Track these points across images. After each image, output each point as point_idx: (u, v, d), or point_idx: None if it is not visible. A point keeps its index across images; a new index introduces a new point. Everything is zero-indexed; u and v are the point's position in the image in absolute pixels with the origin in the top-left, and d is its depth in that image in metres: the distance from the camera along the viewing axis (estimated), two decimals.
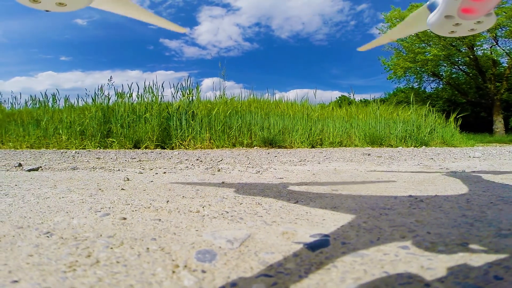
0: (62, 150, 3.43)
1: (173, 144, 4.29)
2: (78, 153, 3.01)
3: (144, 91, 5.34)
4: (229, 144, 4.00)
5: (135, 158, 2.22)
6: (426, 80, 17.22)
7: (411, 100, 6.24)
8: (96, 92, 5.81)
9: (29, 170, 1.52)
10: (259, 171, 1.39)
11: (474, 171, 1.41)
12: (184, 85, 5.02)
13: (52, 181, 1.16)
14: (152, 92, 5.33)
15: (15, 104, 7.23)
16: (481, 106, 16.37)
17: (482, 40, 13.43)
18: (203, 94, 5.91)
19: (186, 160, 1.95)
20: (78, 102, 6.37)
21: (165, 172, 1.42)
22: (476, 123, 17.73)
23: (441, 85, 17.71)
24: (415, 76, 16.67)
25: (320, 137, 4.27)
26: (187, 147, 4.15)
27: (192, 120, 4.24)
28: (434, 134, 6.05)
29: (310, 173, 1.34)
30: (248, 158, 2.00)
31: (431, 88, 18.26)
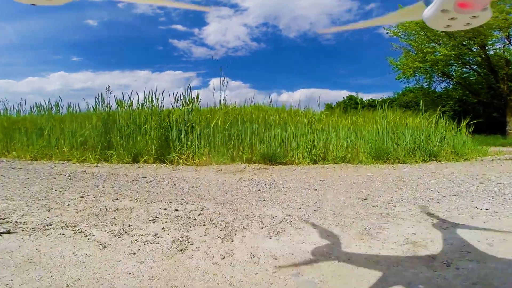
0: (52, 182, 3.37)
1: (172, 158, 4.21)
2: (70, 178, 2.92)
3: (144, 100, 5.28)
4: (227, 159, 3.91)
5: (117, 199, 2.12)
6: (436, 80, 16.78)
7: (421, 106, 6.17)
8: (97, 100, 5.80)
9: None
10: (223, 256, 1.16)
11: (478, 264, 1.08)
12: (184, 93, 4.93)
13: None
14: (152, 102, 5.27)
15: (21, 110, 7.31)
16: (493, 106, 15.86)
17: (494, 39, 12.97)
18: (211, 94, 5.83)
19: (165, 210, 1.76)
20: (79, 108, 6.40)
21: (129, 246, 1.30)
22: (488, 124, 17.19)
23: (451, 85, 17.24)
24: (425, 76, 16.24)
25: (323, 150, 4.13)
26: (186, 161, 4.07)
27: (191, 133, 4.15)
28: (444, 142, 5.84)
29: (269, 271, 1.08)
30: (231, 206, 1.81)
31: (441, 88, 17.80)
